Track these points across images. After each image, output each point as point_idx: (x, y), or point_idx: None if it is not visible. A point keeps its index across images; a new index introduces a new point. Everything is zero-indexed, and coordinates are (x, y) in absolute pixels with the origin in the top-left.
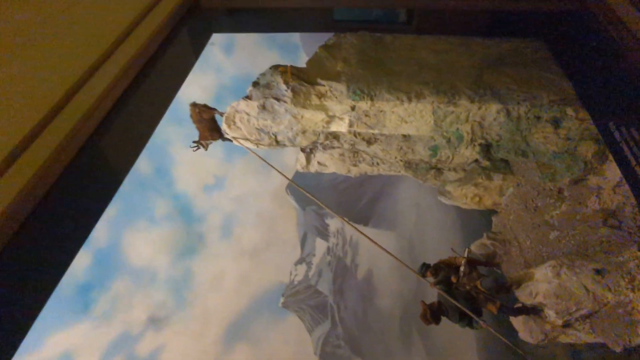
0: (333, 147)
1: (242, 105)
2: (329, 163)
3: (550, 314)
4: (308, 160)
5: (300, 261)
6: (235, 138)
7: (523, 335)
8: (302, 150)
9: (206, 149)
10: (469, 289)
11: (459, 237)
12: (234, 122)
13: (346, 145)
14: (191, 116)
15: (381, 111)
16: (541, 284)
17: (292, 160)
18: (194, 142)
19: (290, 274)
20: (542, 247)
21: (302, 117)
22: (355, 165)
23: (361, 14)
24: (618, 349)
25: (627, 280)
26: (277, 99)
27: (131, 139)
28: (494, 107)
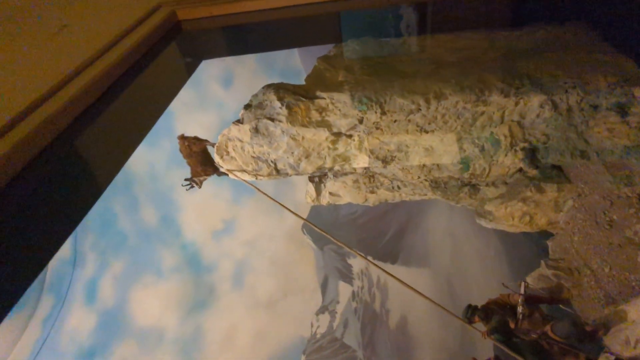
0: (345, 174)
1: (234, 131)
2: (342, 192)
3: None
4: (318, 191)
5: (322, 310)
6: (230, 171)
7: None
8: (310, 180)
9: (200, 187)
10: (537, 337)
11: (506, 269)
12: (227, 152)
13: (360, 170)
14: (180, 150)
15: (395, 121)
16: None
17: (304, 195)
18: (186, 179)
19: (312, 326)
20: (628, 274)
21: (302, 138)
22: (372, 192)
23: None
24: None
25: None
26: (272, 119)
27: (100, 159)
28: (535, 100)
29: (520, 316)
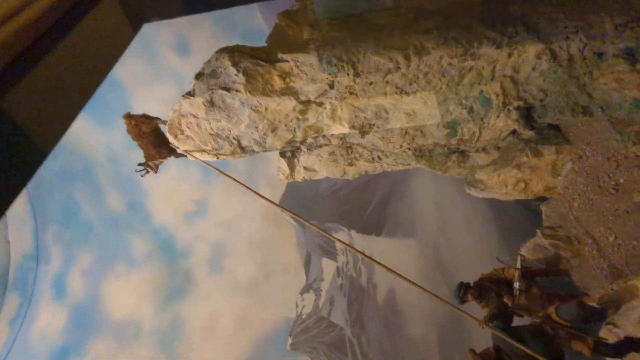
0: (320, 146)
1: (186, 105)
2: (318, 167)
3: None
4: (291, 167)
5: (306, 289)
6: (188, 152)
7: None
8: (282, 155)
9: (155, 171)
10: (540, 321)
11: (496, 236)
12: (181, 131)
13: (335, 141)
14: (128, 132)
15: (370, 84)
16: None
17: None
18: (139, 164)
19: (297, 306)
20: (637, 242)
21: (265, 109)
22: (351, 164)
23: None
24: None
25: None
26: (227, 89)
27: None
28: (531, 50)
29: (517, 292)
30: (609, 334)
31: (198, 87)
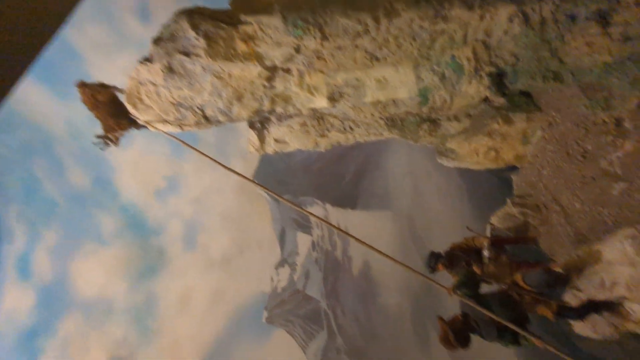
0: (290, 117)
1: (143, 72)
2: (289, 138)
3: (637, 309)
4: (261, 139)
5: (281, 263)
6: (149, 123)
7: (581, 329)
8: (251, 126)
9: (116, 144)
10: (506, 288)
11: (468, 206)
12: (140, 100)
13: (306, 111)
14: (84, 102)
15: (339, 48)
16: (619, 268)
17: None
18: (98, 136)
19: (272, 281)
20: (602, 208)
21: (229, 75)
22: (323, 135)
23: None
24: None
25: None
26: (187, 54)
27: None
28: (503, 12)
29: (487, 260)
30: (572, 298)
31: (156, 52)
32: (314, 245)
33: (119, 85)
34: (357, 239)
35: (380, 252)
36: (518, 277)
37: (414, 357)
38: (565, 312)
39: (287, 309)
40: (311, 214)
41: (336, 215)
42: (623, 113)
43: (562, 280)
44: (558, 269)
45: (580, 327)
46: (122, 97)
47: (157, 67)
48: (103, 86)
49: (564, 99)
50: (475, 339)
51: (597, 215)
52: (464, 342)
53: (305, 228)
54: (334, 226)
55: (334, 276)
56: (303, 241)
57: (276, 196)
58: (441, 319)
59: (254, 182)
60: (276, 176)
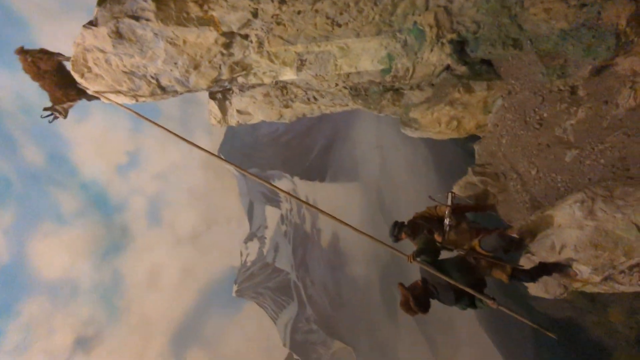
0: (252, 87)
1: (89, 37)
2: (252, 109)
3: (583, 270)
4: (223, 110)
5: (250, 237)
6: (100, 93)
7: (534, 289)
8: (212, 97)
9: (65, 116)
10: (464, 254)
11: (434, 176)
12: (88, 68)
13: (268, 80)
14: (25, 71)
15: (298, 12)
16: (568, 231)
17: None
18: (45, 108)
19: (241, 255)
20: (555, 175)
21: (183, 41)
22: (287, 106)
23: None
24: None
25: None
26: (136, 18)
27: None
28: None
29: (448, 228)
30: (526, 262)
31: (101, 15)
32: (282, 218)
33: (65, 53)
34: (321, 211)
35: (344, 222)
36: (475, 243)
37: (382, 324)
38: (519, 274)
39: (257, 281)
40: (277, 188)
41: (305, 188)
42: (577, 81)
43: (517, 245)
44: (513, 234)
45: (534, 289)
46: (69, 65)
47: (103, 31)
48: (46, 53)
49: (522, 67)
50: (435, 303)
51: (550, 182)
52: (424, 307)
53: (274, 202)
54: (301, 200)
55: (303, 248)
56: (272, 215)
57: (242, 171)
58: (402, 285)
59: (217, 156)
60: (243, 150)
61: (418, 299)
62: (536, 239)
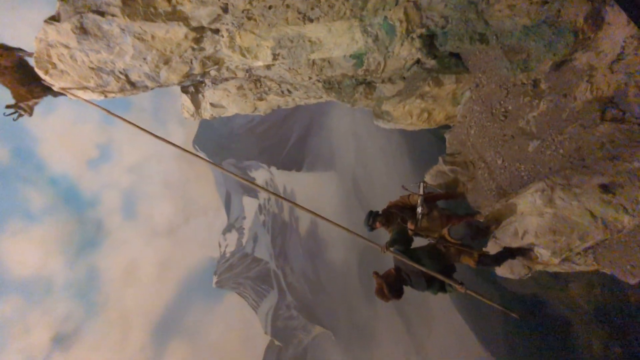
0: (225, 79)
1: (52, 33)
2: (226, 102)
3: (543, 253)
4: (196, 104)
5: (228, 228)
6: (66, 90)
7: (501, 271)
8: (184, 90)
9: (30, 114)
10: (434, 242)
11: (408, 164)
12: (53, 65)
13: (241, 74)
14: None
15: (269, 7)
16: (529, 218)
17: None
18: (8, 106)
19: (220, 246)
20: (519, 164)
21: (152, 37)
22: (261, 99)
23: None
24: (633, 281)
25: None
26: (101, 13)
27: None
28: None
29: (420, 216)
30: (492, 247)
31: (63, 9)
32: (260, 208)
33: (26, 48)
34: (293, 203)
35: (319, 215)
36: (445, 232)
37: (360, 307)
38: (485, 260)
39: (237, 272)
40: (253, 183)
41: (282, 178)
42: (539, 75)
43: (483, 232)
44: (480, 222)
45: (500, 271)
46: (32, 61)
47: (66, 27)
48: (6, 49)
49: (489, 60)
50: (409, 289)
51: (515, 171)
52: (397, 293)
53: (252, 192)
54: (274, 193)
55: (282, 237)
56: (250, 205)
57: (216, 166)
58: (376, 273)
59: (189, 152)
60: (218, 141)
61: (391, 286)
62: (501, 226)
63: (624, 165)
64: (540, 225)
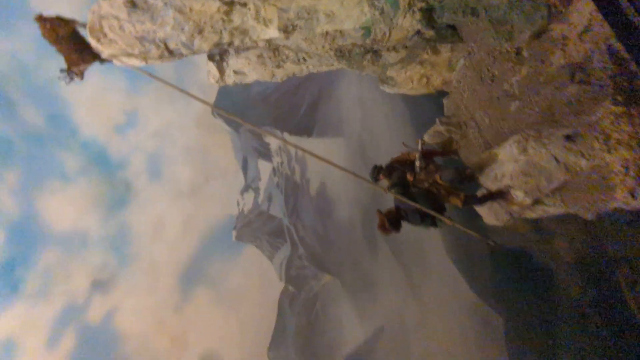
0: (247, 49)
1: (105, 7)
2: (247, 70)
3: (518, 194)
4: (221, 71)
5: (245, 189)
6: (114, 56)
7: (487, 219)
8: (210, 58)
9: (81, 78)
10: (428, 185)
11: (410, 129)
12: (104, 34)
13: (262, 43)
14: (44, 36)
15: None
16: (507, 164)
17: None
18: (62, 70)
19: (238, 205)
20: (502, 122)
21: (190, 9)
22: (279, 66)
23: None
24: (590, 217)
25: (601, 140)
26: None
27: None
28: None
29: (418, 169)
30: (475, 190)
31: None
32: (274, 171)
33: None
34: (315, 155)
35: (334, 164)
36: (437, 177)
37: (364, 258)
38: (470, 200)
39: (254, 227)
40: (271, 133)
41: (294, 143)
42: (522, 44)
43: (469, 177)
44: (468, 168)
45: (487, 219)
46: (84, 31)
47: (119, 1)
48: (62, 20)
49: (479, 31)
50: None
51: (499, 128)
52: (396, 226)
53: (266, 156)
54: (297, 146)
55: (294, 197)
56: (264, 168)
57: (238, 120)
58: (379, 211)
59: (222, 111)
60: (235, 108)
61: (391, 221)
62: (484, 172)
63: (585, 118)
64: (515, 169)
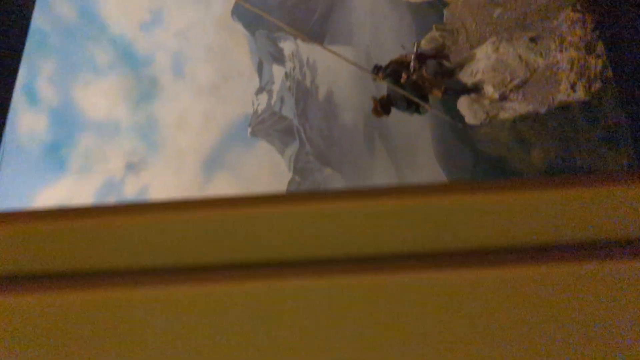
0: None
1: None
2: None
3: (488, 89)
4: None
5: (260, 90)
6: None
7: (468, 119)
8: None
9: None
10: (415, 78)
11: (414, 39)
12: None
13: None
14: None
15: None
16: (481, 62)
17: None
18: None
19: (253, 104)
20: (485, 27)
21: None
22: None
23: None
24: (543, 110)
25: (557, 42)
26: None
27: None
28: None
29: (412, 69)
30: (454, 84)
31: None
32: (287, 75)
33: None
34: (336, 54)
35: (345, 58)
36: (423, 71)
37: (363, 156)
38: (449, 91)
39: (267, 125)
40: (291, 30)
41: (306, 49)
42: None
43: (450, 73)
44: (450, 64)
45: (468, 118)
46: None
47: None
48: None
49: None
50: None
51: (483, 32)
52: (387, 111)
53: (280, 61)
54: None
55: (304, 101)
56: (278, 72)
57: (261, 13)
58: (373, 97)
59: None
60: (253, 13)
61: (383, 106)
62: (463, 69)
63: (548, 23)
64: (487, 65)
